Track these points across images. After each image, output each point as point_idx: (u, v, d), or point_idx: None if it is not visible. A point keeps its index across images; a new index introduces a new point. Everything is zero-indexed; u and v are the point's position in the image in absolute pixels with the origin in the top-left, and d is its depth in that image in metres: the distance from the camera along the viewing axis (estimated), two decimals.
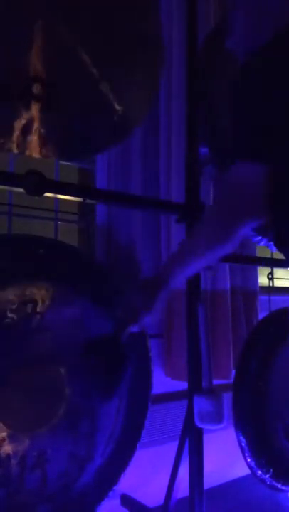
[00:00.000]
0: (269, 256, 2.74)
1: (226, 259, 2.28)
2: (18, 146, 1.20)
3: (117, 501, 1.95)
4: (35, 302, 1.22)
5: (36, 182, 1.25)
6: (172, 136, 2.26)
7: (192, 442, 1.55)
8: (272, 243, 1.84)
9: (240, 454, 1.70)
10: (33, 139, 1.21)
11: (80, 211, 2.40)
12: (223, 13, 2.33)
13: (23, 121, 1.19)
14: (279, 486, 1.74)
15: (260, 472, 1.69)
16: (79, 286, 1.31)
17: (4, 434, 1.15)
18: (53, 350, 1.25)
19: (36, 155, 1.22)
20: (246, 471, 1.80)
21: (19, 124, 1.18)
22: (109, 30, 1.34)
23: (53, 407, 1.25)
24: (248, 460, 1.67)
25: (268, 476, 1.70)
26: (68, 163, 2.41)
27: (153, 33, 1.44)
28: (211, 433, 1.63)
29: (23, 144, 1.20)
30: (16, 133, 1.18)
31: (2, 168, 2.02)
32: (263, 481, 1.71)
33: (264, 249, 2.84)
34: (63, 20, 1.24)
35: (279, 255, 2.17)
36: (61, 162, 2.31)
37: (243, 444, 1.66)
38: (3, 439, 1.15)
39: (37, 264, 1.24)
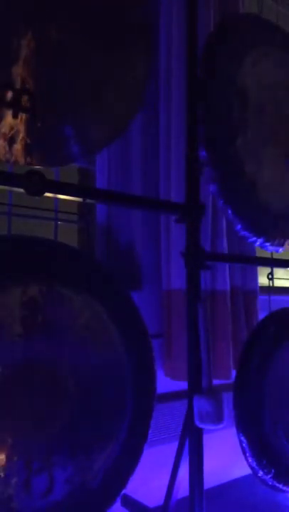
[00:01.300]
0: (269, 256, 2.75)
1: (225, 259, 2.29)
2: (3, 155, 1.20)
3: (117, 501, 1.95)
4: (35, 303, 1.22)
5: (36, 182, 1.25)
6: (172, 137, 2.26)
7: (192, 442, 1.55)
8: (267, 244, 1.84)
9: (241, 454, 1.70)
10: (18, 147, 1.21)
11: (80, 211, 2.40)
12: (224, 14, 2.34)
13: (9, 131, 1.18)
14: (281, 486, 1.74)
15: (261, 473, 1.68)
16: (79, 286, 1.31)
17: (8, 438, 1.15)
18: (56, 351, 1.25)
19: (21, 163, 1.22)
20: (246, 471, 1.81)
21: (4, 133, 1.18)
22: (99, 29, 1.33)
23: (57, 410, 1.25)
24: (250, 460, 1.66)
25: (269, 476, 1.70)
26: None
27: (142, 23, 1.42)
28: (211, 433, 1.63)
29: (8, 152, 1.20)
30: (1, 142, 1.18)
31: (2, 168, 2.02)
32: (264, 481, 1.71)
33: None
34: (53, 29, 1.24)
35: (279, 255, 2.17)
36: None
37: (244, 445, 1.66)
38: (7, 443, 1.15)
39: (37, 264, 1.24)
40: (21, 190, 1.25)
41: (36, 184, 1.25)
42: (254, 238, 1.80)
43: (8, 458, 1.14)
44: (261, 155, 1.84)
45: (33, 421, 1.21)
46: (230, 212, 1.71)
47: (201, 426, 1.51)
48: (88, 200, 1.51)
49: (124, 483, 1.37)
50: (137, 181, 2.32)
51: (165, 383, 2.24)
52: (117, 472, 1.34)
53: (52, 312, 1.25)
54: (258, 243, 1.83)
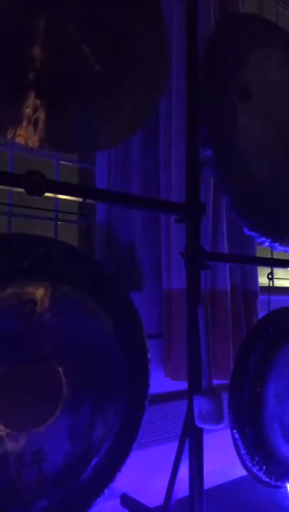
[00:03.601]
0: (269, 256, 2.75)
1: (226, 259, 2.29)
2: (26, 139, 1.21)
3: (117, 501, 1.95)
4: (34, 302, 1.22)
5: (36, 182, 1.25)
6: (172, 136, 2.26)
7: (192, 442, 1.55)
8: (276, 244, 1.83)
9: None
10: (37, 130, 1.22)
11: (80, 211, 2.40)
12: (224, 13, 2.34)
13: (28, 112, 1.19)
14: (272, 482, 1.74)
15: (254, 469, 1.69)
16: (79, 286, 1.31)
17: (1, 432, 1.16)
18: (52, 349, 1.25)
19: (38, 147, 1.24)
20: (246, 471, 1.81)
21: (23, 115, 1.19)
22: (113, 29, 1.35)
23: (50, 405, 1.25)
24: (243, 457, 1.67)
25: (261, 472, 1.71)
26: (68, 163, 2.41)
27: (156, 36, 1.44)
28: (211, 433, 1.63)
29: (27, 136, 1.21)
30: (22, 124, 1.19)
31: (2, 168, 2.02)
32: (256, 477, 1.71)
33: (264, 249, 2.85)
34: (68, 12, 1.25)
35: (279, 255, 2.17)
36: (61, 162, 2.31)
37: (238, 442, 1.66)
38: (1, 437, 1.16)
39: (36, 263, 1.24)
40: (21, 190, 1.25)
41: (36, 184, 1.25)
42: (262, 239, 1.80)
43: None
44: (268, 155, 1.84)
45: (27, 414, 1.22)
46: (235, 212, 1.71)
47: (201, 426, 1.51)
48: (88, 200, 1.50)
49: (113, 475, 1.37)
50: (137, 181, 2.32)
51: (165, 383, 2.24)
52: (107, 464, 1.35)
53: (52, 311, 1.25)
54: (266, 244, 1.83)
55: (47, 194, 1.30)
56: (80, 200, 1.47)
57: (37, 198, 1.27)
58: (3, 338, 1.18)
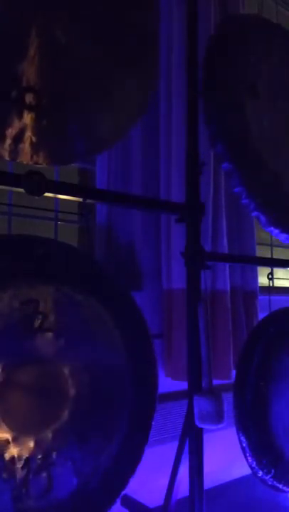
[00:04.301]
0: (269, 256, 2.75)
1: (226, 259, 2.29)
2: (9, 154, 1.19)
3: (117, 501, 1.94)
4: (36, 303, 1.22)
5: (36, 182, 1.25)
6: (172, 136, 2.26)
7: (192, 442, 1.55)
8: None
9: (241, 454, 1.70)
10: (25, 146, 1.20)
11: (80, 211, 2.40)
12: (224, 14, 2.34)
13: (15, 130, 1.18)
14: (280, 486, 1.73)
15: (261, 473, 1.68)
16: (79, 286, 1.31)
17: (9, 437, 1.15)
18: (56, 350, 1.25)
19: (27, 162, 1.22)
20: (246, 471, 1.80)
21: (11, 132, 1.17)
22: (105, 37, 1.34)
23: (58, 409, 1.25)
24: (250, 460, 1.66)
25: (269, 476, 1.70)
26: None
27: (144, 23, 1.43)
28: (211, 433, 1.63)
29: (14, 151, 1.20)
30: (8, 141, 1.17)
31: (2, 168, 2.02)
32: (264, 481, 1.71)
33: (264, 249, 2.85)
34: (58, 29, 1.24)
35: (279, 255, 2.17)
36: None
37: (244, 445, 1.65)
38: (8, 442, 1.15)
39: (37, 264, 1.24)
40: (21, 190, 1.25)
41: (36, 184, 1.25)
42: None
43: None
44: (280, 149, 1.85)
45: (34, 418, 1.22)
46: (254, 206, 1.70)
47: (201, 426, 1.51)
48: (88, 200, 1.51)
49: (124, 483, 1.36)
50: (137, 181, 2.32)
51: (165, 383, 2.24)
52: (117, 472, 1.34)
53: (53, 312, 1.25)
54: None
55: (47, 194, 1.30)
56: (80, 200, 1.47)
57: (37, 198, 1.27)
58: (7, 340, 1.17)
